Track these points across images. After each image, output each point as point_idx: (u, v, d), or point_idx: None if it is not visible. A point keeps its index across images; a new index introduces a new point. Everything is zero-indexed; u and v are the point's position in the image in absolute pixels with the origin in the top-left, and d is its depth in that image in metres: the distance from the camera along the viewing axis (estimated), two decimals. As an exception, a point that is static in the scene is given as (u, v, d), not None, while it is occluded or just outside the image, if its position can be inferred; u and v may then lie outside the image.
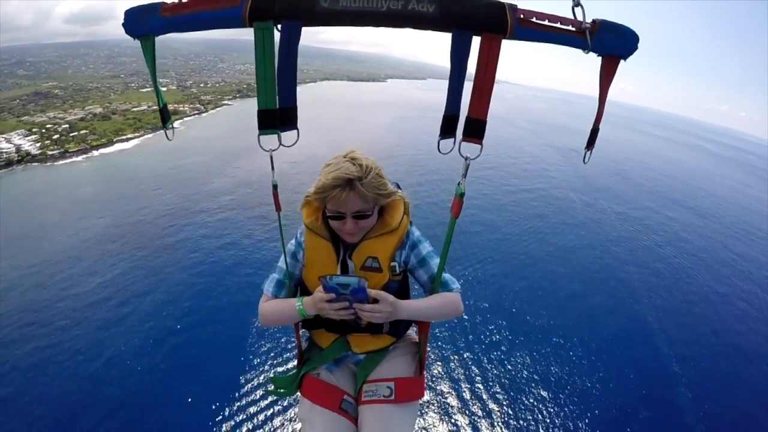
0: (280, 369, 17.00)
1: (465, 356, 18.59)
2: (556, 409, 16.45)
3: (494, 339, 19.81)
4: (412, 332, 1.91)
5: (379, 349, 1.72)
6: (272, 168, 1.35)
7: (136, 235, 28.49)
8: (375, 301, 1.47)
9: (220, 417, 15.19)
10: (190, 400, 15.80)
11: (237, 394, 16.08)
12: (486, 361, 18.52)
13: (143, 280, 23.12)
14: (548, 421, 15.93)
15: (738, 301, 25.63)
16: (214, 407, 15.52)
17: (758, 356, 20.69)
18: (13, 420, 15.00)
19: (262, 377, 16.91)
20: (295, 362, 1.84)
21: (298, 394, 1.73)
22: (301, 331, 1.80)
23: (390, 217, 1.60)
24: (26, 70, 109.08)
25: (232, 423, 15.06)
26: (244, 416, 15.34)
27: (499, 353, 19.01)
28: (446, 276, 1.63)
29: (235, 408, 15.60)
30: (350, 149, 1.53)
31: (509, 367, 18.35)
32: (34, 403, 15.63)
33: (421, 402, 1.74)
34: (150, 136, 59.91)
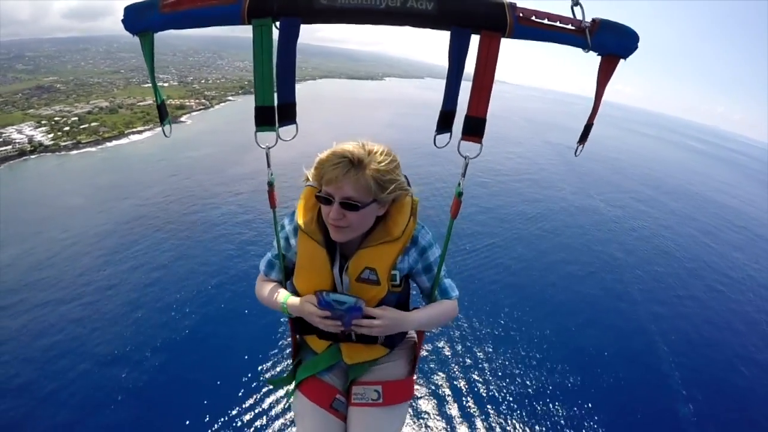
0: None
1: (457, 352, 18.76)
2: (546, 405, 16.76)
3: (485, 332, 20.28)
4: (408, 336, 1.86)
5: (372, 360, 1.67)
6: (268, 165, 1.36)
7: (162, 213, 30.13)
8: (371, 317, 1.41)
9: (243, 369, 16.33)
10: (220, 346, 17.11)
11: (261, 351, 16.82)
12: (477, 355, 18.82)
13: (174, 250, 25.04)
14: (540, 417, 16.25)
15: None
16: (246, 355, 16.32)
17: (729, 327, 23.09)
18: (64, 360, 16.98)
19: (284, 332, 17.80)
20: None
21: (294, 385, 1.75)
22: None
23: (393, 223, 1.43)
24: (25, 64, 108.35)
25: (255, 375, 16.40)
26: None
27: (488, 348, 19.29)
28: (447, 282, 1.59)
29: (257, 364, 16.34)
30: (365, 140, 1.37)
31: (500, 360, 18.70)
32: (91, 347, 17.60)
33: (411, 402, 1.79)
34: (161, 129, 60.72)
